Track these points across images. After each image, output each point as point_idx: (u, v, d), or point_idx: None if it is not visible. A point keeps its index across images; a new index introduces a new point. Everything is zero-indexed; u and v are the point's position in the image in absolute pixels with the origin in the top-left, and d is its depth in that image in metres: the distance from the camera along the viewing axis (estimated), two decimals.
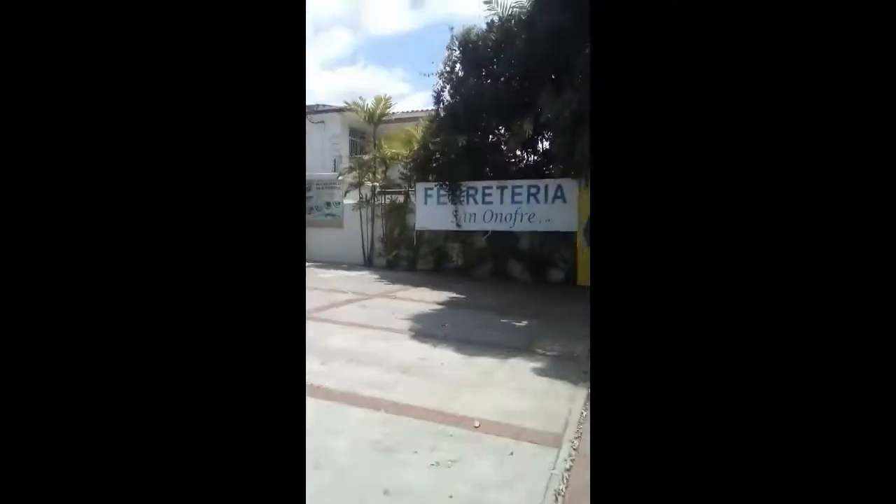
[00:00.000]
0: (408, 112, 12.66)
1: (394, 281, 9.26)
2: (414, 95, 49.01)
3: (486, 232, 10.34)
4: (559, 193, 9.53)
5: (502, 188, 9.89)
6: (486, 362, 4.54)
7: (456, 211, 10.21)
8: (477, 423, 3.16)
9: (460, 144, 9.19)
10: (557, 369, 4.35)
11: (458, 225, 10.27)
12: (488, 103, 8.84)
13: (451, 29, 9.37)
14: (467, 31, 9.18)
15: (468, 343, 5.17)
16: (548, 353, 4.88)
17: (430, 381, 3.89)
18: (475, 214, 10.17)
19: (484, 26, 8.94)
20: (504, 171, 10.18)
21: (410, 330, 5.67)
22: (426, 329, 5.78)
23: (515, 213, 9.83)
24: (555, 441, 2.95)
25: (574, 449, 2.85)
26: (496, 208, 9.99)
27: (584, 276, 9.53)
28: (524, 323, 6.33)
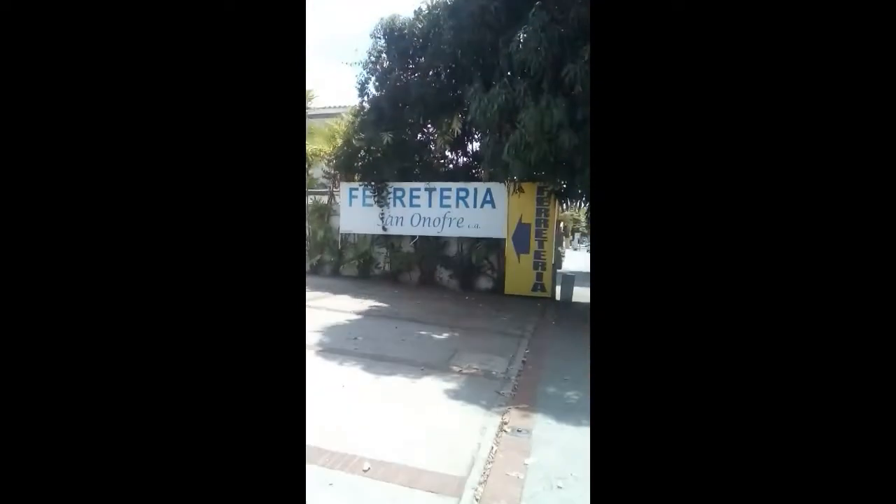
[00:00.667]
0: (335, 107, 11.92)
1: (315, 287, 8.50)
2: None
3: (413, 237, 9.82)
4: (488, 198, 9.19)
5: (430, 191, 9.42)
6: (393, 383, 3.99)
7: (382, 214, 9.60)
8: (367, 466, 2.61)
9: (385, 142, 8.61)
10: (472, 391, 3.87)
11: (384, 228, 9.67)
12: (415, 98, 8.31)
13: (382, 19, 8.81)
14: (392, 19, 8.56)
15: (379, 360, 4.61)
16: (464, 372, 4.40)
17: (323, 410, 3.29)
18: (402, 218, 9.61)
19: (412, 14, 8.46)
20: (433, 172, 9.70)
21: (318, 345, 5.02)
22: (336, 343, 5.16)
23: (444, 218, 9.38)
24: (455, 488, 2.43)
25: (477, 499, 2.36)
26: (424, 212, 9.49)
27: (512, 285, 9.23)
28: (445, 336, 5.85)
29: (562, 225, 29.44)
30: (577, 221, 45.60)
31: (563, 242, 32.04)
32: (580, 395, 3.91)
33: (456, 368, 4.48)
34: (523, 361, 4.88)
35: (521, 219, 9.08)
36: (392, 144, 8.72)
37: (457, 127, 7.98)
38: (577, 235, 46.13)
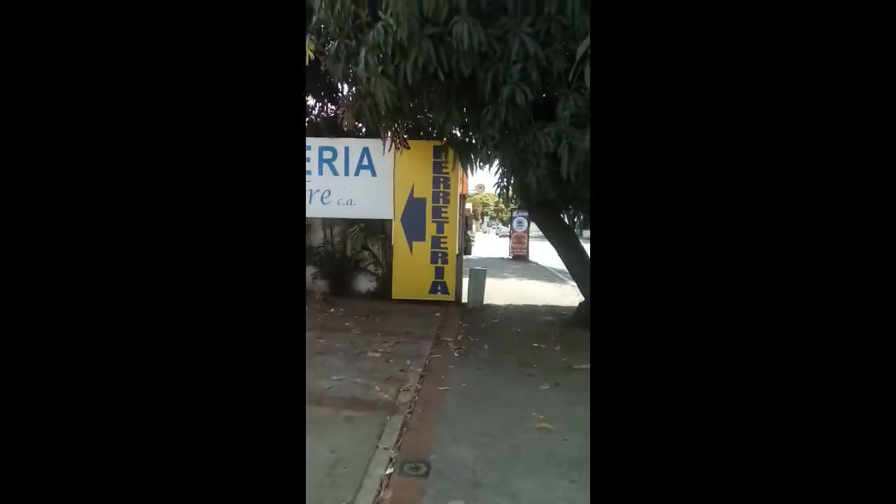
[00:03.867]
0: None
1: None
2: None
3: None
4: (365, 161, 6.38)
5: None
6: None
7: None
8: None
9: None
10: None
11: None
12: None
13: None
14: None
15: None
16: None
17: None
18: None
19: None
20: None
21: None
22: None
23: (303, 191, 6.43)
24: None
25: None
26: None
27: (403, 286, 6.55)
28: None
29: (470, 207, 27.16)
30: (486, 205, 43.37)
31: (473, 225, 29.89)
32: None
33: None
34: (392, 461, 2.23)
35: (412, 192, 6.38)
36: None
37: (309, 49, 5.04)
38: (486, 219, 44.01)
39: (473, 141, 4.76)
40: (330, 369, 3.73)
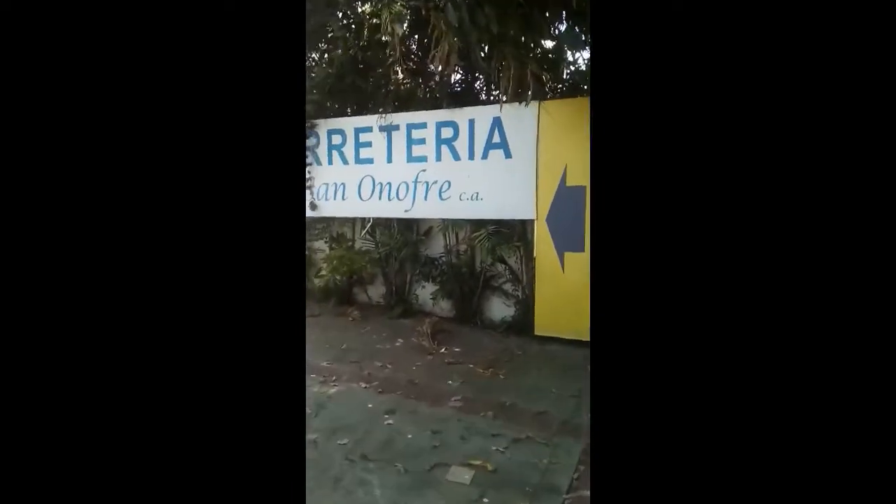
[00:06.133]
0: None
1: None
2: None
3: (365, 220, 5.38)
4: (496, 139, 4.47)
5: (389, 130, 4.88)
6: None
7: (309, 177, 5.28)
8: None
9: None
10: None
11: (312, 206, 5.33)
12: None
13: None
14: None
15: None
16: None
17: None
18: (342, 185, 5.21)
19: None
20: (397, 97, 5.14)
21: None
22: None
23: (415, 183, 4.82)
24: None
25: None
26: (380, 172, 5.01)
27: (550, 318, 4.47)
28: None
29: None
30: None
31: None
32: None
33: None
34: None
35: (563, 177, 4.26)
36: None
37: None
38: None
39: None
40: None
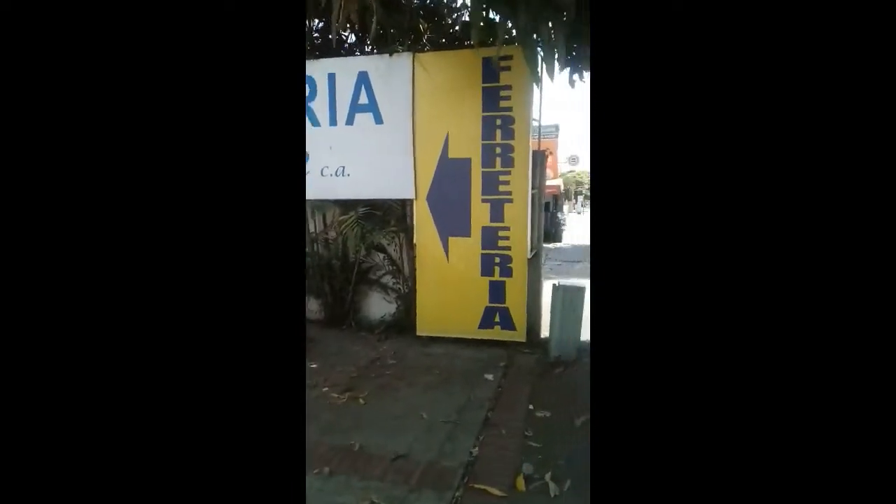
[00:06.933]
0: None
1: None
2: None
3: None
4: (364, 99, 3.63)
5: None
6: None
7: None
8: None
9: None
10: None
11: None
12: None
13: None
14: None
15: None
16: None
17: None
18: None
19: None
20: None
21: None
22: None
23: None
24: None
25: None
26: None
27: (433, 316, 3.79)
28: None
29: (560, 184, 23.04)
30: (580, 184, 38.17)
31: (564, 206, 25.56)
32: None
33: None
34: None
35: (445, 148, 3.55)
36: None
37: None
38: (581, 199, 39.09)
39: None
40: None
